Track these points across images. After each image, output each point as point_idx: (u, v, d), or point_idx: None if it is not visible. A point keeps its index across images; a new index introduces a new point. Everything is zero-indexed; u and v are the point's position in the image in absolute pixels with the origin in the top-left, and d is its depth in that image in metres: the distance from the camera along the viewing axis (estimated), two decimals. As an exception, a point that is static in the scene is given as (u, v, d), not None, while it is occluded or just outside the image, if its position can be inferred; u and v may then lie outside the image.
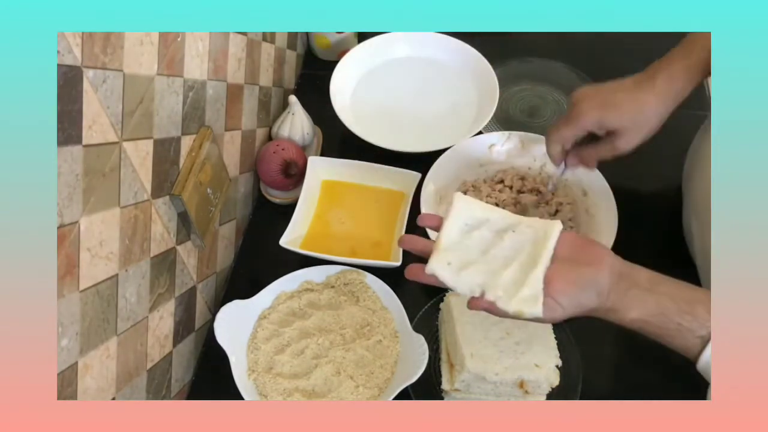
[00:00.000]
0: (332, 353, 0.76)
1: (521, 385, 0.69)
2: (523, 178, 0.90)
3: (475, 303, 0.60)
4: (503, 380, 0.68)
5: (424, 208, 0.83)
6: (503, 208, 0.86)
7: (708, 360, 0.56)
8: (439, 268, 0.60)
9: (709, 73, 0.73)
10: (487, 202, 0.87)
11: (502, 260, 0.60)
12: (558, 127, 0.77)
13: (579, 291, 0.59)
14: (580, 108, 0.74)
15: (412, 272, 0.62)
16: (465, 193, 0.88)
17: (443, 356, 0.75)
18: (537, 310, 0.58)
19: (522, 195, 0.89)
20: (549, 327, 0.71)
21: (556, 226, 0.61)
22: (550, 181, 0.86)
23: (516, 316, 0.59)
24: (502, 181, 0.90)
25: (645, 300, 0.59)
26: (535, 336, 0.70)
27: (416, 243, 0.64)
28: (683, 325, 0.57)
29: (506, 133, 0.91)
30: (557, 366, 0.69)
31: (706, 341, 0.56)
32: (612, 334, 0.83)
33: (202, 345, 0.82)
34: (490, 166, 0.91)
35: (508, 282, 0.59)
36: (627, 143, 0.74)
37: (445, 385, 0.72)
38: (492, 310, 0.60)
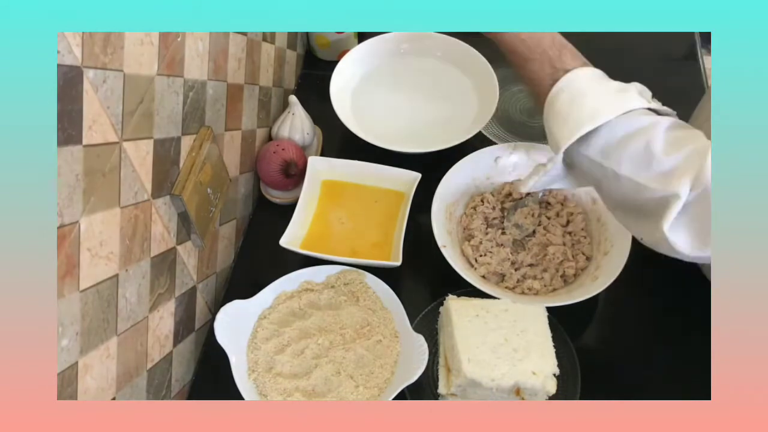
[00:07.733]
0: (332, 353, 0.76)
1: (517, 392, 0.69)
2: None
3: None
4: (499, 386, 0.67)
5: (435, 225, 0.82)
6: (509, 216, 0.87)
7: (555, 92, 0.65)
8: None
9: None
10: (493, 212, 0.87)
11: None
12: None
13: None
14: None
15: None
16: (474, 208, 0.89)
17: (441, 360, 0.75)
18: None
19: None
20: (548, 334, 0.71)
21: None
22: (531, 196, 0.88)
23: None
24: (510, 194, 0.89)
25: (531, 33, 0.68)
26: (534, 343, 0.69)
27: None
28: (547, 53, 0.67)
29: (512, 144, 0.90)
30: (555, 374, 0.68)
31: (558, 77, 0.66)
32: (612, 334, 0.83)
33: (202, 345, 0.82)
34: (497, 178, 0.90)
35: None
36: None
37: (441, 389, 0.72)
38: None
